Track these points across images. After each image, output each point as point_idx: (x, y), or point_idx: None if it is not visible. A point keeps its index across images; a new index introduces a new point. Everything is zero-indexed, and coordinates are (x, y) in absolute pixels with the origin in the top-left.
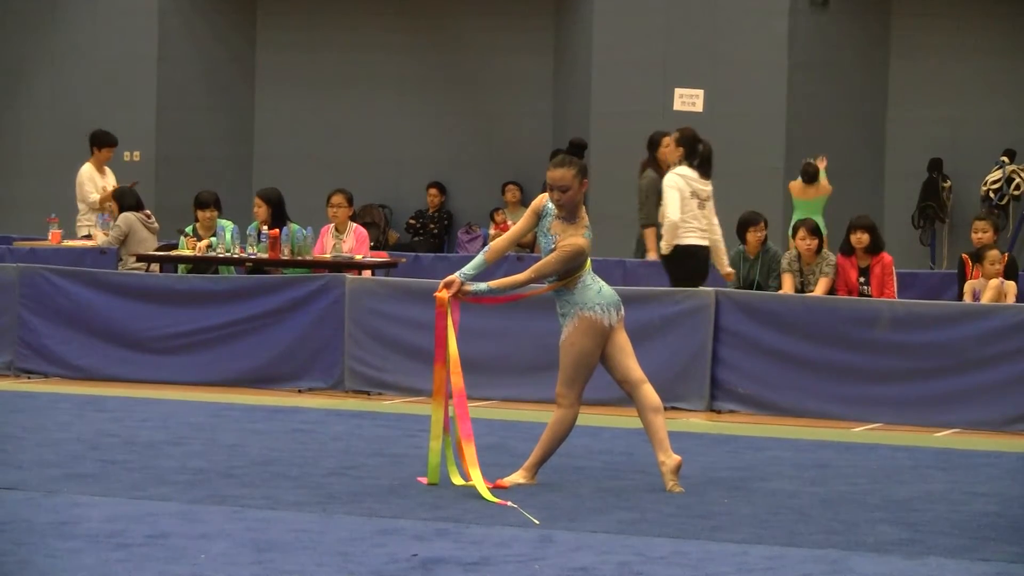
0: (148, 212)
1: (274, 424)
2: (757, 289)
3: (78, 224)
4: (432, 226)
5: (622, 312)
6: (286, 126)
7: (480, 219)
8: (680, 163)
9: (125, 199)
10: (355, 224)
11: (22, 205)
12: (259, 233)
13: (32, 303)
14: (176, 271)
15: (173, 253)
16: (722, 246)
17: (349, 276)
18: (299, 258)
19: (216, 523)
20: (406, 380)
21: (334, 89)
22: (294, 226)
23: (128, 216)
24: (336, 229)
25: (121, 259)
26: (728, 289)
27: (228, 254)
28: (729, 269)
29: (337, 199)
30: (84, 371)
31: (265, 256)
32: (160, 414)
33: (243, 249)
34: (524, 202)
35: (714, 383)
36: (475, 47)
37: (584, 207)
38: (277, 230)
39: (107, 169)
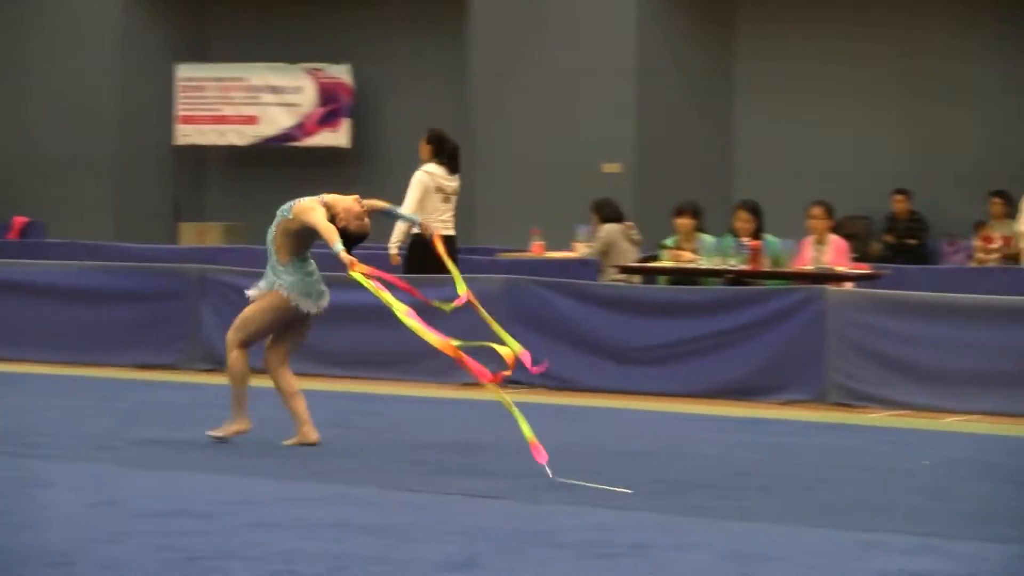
0: (630, 224)
1: (755, 435)
2: None
3: None
4: (909, 238)
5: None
6: (764, 137)
7: (962, 229)
8: (429, 160)
9: (605, 211)
10: (834, 236)
11: (505, 216)
12: (739, 245)
13: (516, 313)
14: (657, 283)
15: (654, 264)
16: None
17: (830, 288)
18: (780, 270)
19: (696, 534)
20: (891, 393)
21: (809, 99)
22: (772, 238)
23: (610, 227)
24: (817, 241)
25: (602, 271)
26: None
27: (710, 266)
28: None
29: (816, 211)
30: (566, 381)
31: (746, 268)
32: (639, 425)
33: (724, 261)
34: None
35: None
36: (941, 54)
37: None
38: (758, 242)
39: None
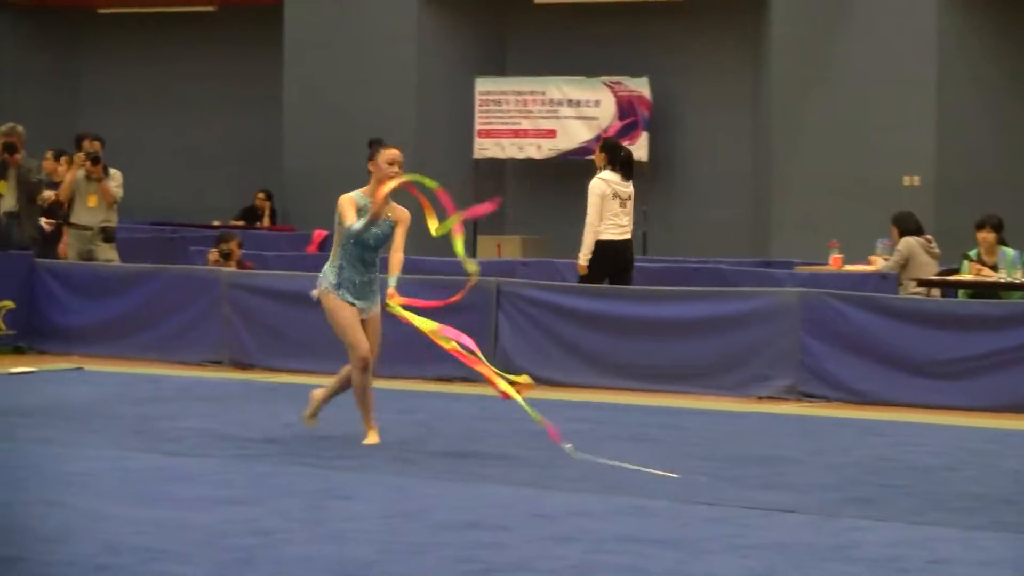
0: (929, 237)
1: None
2: None
3: None
4: None
5: None
6: None
7: None
8: (604, 168)
9: (904, 224)
10: None
11: (803, 229)
12: None
13: (814, 327)
14: (956, 296)
15: (953, 278)
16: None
17: None
18: None
19: (998, 551)
20: None
21: None
22: None
23: (909, 241)
24: None
25: (902, 284)
26: None
27: (1010, 279)
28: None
29: None
30: (865, 395)
31: None
32: (939, 439)
33: None
34: None
35: None
36: None
37: None
38: None
39: None
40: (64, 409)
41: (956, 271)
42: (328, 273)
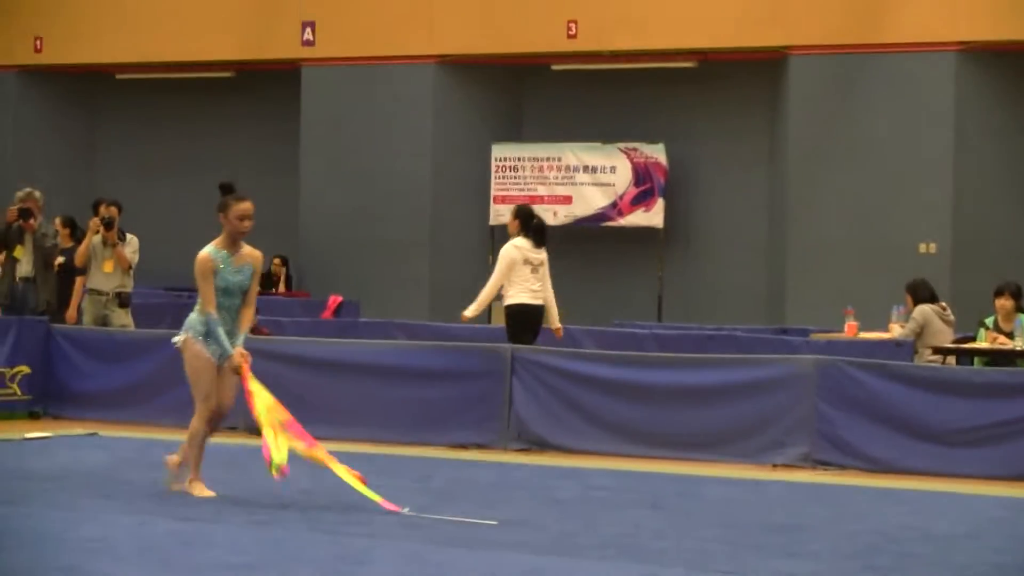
0: (943, 304)
1: None
2: None
3: None
4: None
5: None
6: None
7: None
8: (517, 235)
9: (919, 292)
10: None
11: (818, 296)
12: None
13: (829, 395)
14: (972, 363)
15: (968, 346)
16: (554, 307)
17: None
18: None
19: None
20: None
21: None
22: None
23: (924, 309)
24: None
25: (917, 351)
26: None
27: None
28: (558, 326)
29: None
30: (881, 463)
31: None
32: (957, 507)
33: None
34: None
35: None
36: None
37: None
38: None
39: None
40: (80, 474)
41: (972, 338)
42: (195, 322)
